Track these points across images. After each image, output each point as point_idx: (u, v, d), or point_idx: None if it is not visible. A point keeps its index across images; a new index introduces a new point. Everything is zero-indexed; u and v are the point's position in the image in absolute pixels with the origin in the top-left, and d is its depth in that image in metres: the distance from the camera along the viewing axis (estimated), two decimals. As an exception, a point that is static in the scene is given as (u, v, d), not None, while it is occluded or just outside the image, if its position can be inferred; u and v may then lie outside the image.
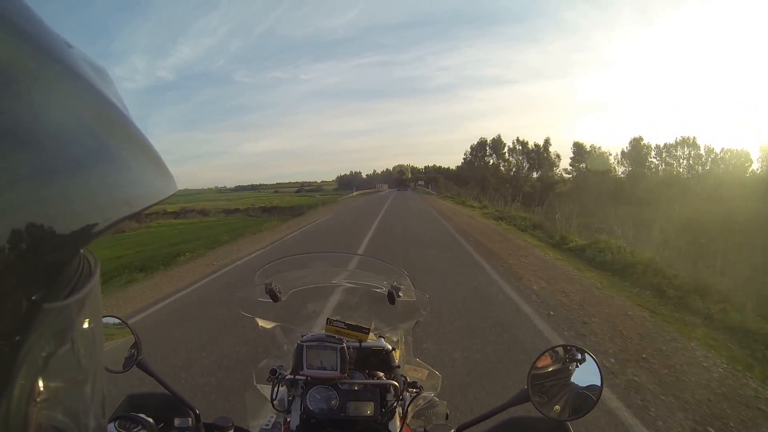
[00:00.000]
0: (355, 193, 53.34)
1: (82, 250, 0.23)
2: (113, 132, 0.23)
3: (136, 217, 0.18)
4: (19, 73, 0.18)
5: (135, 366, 0.93)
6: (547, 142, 56.93)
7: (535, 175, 56.09)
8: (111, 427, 0.77)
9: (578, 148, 54.85)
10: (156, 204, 0.25)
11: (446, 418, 1.06)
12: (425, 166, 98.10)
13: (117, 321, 0.96)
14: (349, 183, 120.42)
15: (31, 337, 0.18)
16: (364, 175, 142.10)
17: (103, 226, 0.20)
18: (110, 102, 0.24)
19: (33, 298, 0.18)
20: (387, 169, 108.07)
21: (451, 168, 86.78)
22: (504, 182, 47.96)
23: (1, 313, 0.17)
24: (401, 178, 75.06)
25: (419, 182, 71.33)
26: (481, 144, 62.23)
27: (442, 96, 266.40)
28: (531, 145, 57.64)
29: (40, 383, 0.19)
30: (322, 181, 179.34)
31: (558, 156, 55.99)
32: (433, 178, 68.98)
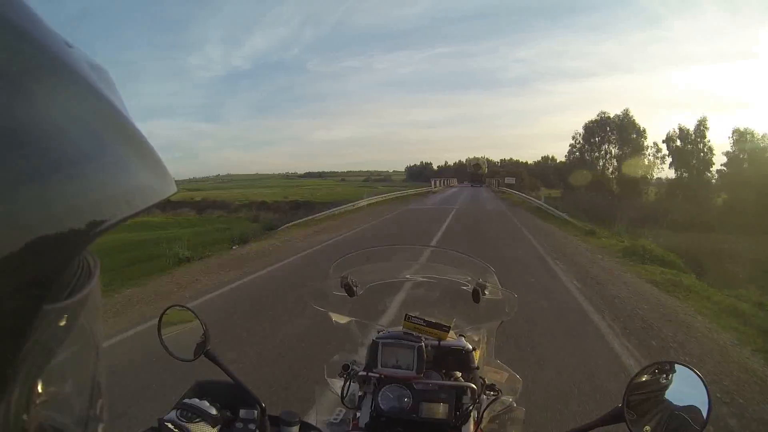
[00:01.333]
0: (369, 200, 19.33)
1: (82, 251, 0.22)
2: (112, 133, 0.23)
3: (135, 217, 0.21)
4: (18, 73, 0.18)
5: (203, 356, 0.92)
6: (702, 125, 32.86)
7: (671, 174, 34.33)
8: (173, 414, 0.78)
9: (741, 137, 31.26)
10: (155, 204, 0.24)
11: (522, 425, 1.04)
12: (501, 160, 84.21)
13: (185, 310, 0.98)
14: (418, 174, 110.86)
15: (31, 337, 0.18)
16: (435, 167, 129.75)
17: (104, 226, 0.20)
18: (110, 102, 0.23)
19: (33, 298, 0.18)
20: (460, 161, 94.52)
21: (528, 162, 72.98)
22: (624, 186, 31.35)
23: (1, 313, 0.16)
24: (476, 173, 60.87)
25: (507, 179, 42.84)
26: (601, 123, 37.13)
27: (518, 89, 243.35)
28: (669, 132, 33.56)
29: (40, 384, 0.19)
30: (393, 171, 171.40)
31: (711, 150, 32.92)
32: (516, 173, 54.59)
